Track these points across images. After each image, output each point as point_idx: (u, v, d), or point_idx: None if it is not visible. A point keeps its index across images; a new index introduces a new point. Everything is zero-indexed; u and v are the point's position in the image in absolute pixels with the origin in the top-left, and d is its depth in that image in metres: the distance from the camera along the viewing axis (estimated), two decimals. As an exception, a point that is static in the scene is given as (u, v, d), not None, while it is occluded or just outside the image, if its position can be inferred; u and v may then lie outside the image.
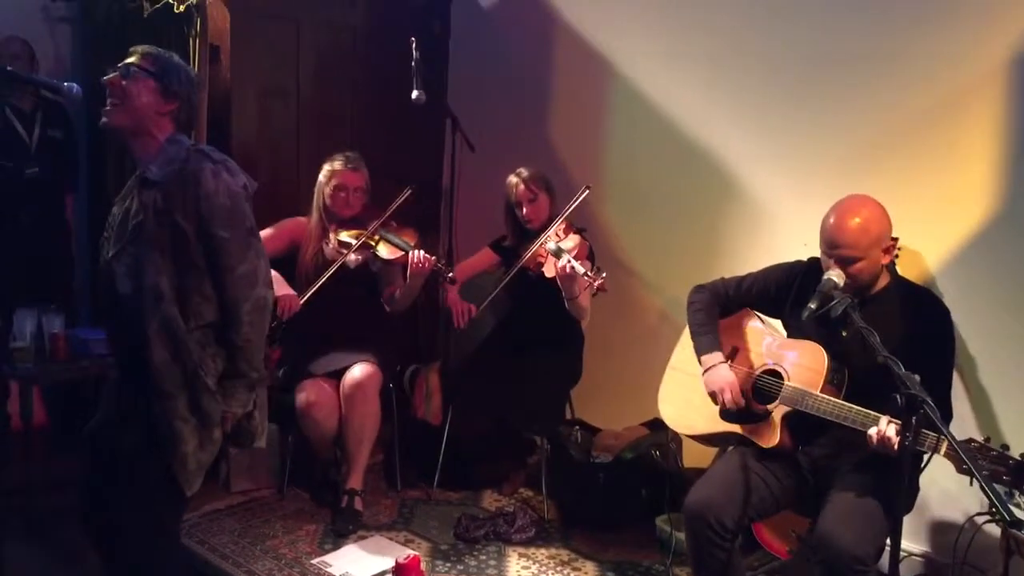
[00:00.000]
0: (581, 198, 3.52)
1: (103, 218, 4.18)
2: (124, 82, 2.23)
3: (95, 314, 2.39)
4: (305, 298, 3.45)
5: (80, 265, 4.40)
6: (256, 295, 2.27)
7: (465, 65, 4.65)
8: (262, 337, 2.31)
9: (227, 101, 3.90)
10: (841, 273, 2.36)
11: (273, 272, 3.47)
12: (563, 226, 3.54)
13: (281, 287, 3.41)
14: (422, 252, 3.50)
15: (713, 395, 2.64)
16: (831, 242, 2.43)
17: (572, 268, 3.28)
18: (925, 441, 2.14)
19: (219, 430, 2.27)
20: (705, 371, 2.68)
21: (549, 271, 3.43)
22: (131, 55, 2.28)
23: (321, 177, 3.66)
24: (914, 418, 1.85)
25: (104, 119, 2.25)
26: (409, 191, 3.66)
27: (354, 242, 3.56)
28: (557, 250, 3.40)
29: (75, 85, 2.48)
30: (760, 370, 2.66)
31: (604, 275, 3.21)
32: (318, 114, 4.27)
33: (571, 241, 3.46)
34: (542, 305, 3.56)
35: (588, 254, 3.52)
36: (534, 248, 3.52)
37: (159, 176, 2.21)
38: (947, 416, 2.39)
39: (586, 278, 3.23)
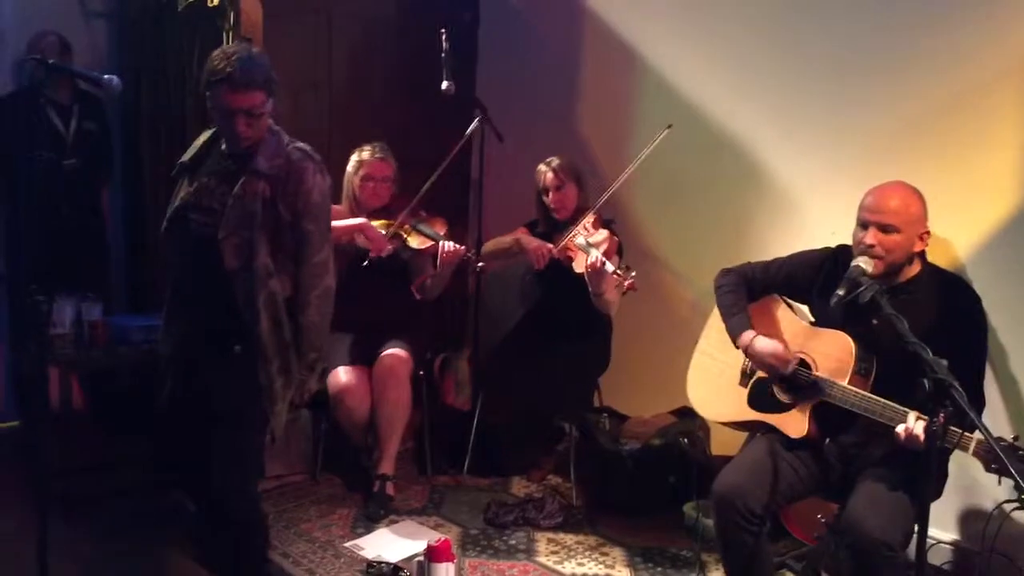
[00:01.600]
0: (660, 138, 3.43)
1: (139, 208, 4.32)
2: (252, 121, 2.39)
3: (171, 285, 2.62)
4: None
5: (115, 255, 4.48)
6: (324, 283, 2.55)
7: (495, 56, 4.67)
8: (326, 321, 2.58)
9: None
10: (869, 259, 2.36)
11: (362, 219, 3.56)
12: (592, 219, 3.53)
13: (370, 229, 3.56)
14: (452, 242, 3.54)
15: (767, 368, 2.61)
16: (873, 207, 2.42)
17: (603, 264, 3.28)
18: (952, 438, 2.12)
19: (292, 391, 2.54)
20: (746, 351, 2.66)
21: (579, 266, 3.43)
22: (226, 66, 2.32)
23: (349, 168, 3.71)
24: (943, 410, 1.82)
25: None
26: (480, 115, 3.71)
27: (385, 232, 3.60)
28: (586, 246, 3.39)
29: (114, 77, 2.55)
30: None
31: (634, 274, 3.20)
32: (349, 105, 4.31)
33: (600, 235, 3.46)
34: (571, 293, 3.56)
35: (617, 250, 3.52)
36: (563, 241, 3.52)
37: (268, 169, 2.43)
38: (980, 405, 2.39)
39: (615, 276, 3.23)
